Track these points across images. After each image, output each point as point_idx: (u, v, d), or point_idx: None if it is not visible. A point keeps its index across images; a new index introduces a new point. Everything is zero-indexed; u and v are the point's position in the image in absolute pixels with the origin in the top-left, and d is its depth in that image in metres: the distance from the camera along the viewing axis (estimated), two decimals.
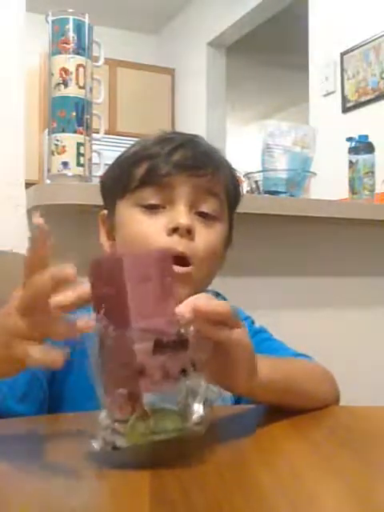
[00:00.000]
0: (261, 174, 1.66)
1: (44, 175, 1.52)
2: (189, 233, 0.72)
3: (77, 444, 0.60)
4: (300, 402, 0.67)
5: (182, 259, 0.72)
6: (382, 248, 1.90)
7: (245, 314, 0.91)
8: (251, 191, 1.69)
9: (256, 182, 1.66)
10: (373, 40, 2.91)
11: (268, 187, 1.62)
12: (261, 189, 1.64)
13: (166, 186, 0.74)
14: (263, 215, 1.55)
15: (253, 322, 0.92)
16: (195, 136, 0.82)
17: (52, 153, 1.40)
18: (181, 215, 0.73)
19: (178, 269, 0.71)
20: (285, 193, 1.61)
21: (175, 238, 0.72)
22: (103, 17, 4.58)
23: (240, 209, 1.51)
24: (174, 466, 0.50)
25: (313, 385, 0.72)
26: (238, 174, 0.86)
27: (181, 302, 0.53)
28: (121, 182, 0.78)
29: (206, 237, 0.75)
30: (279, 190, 1.61)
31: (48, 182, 1.45)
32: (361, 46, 2.98)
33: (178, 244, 0.72)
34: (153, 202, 0.74)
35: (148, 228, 0.73)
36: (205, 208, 0.76)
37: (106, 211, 0.83)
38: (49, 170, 1.43)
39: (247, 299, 1.69)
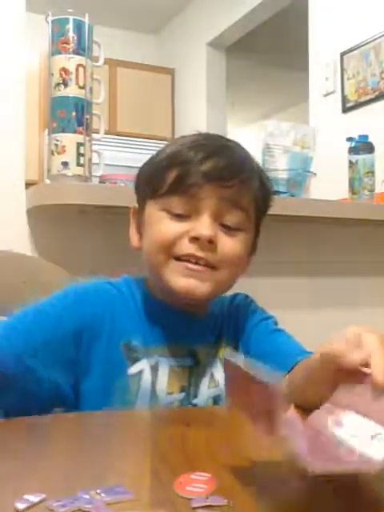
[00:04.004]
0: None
1: (44, 175, 1.52)
2: (210, 243, 0.74)
3: (77, 444, 0.60)
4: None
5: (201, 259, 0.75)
6: (382, 248, 1.90)
7: (267, 314, 0.92)
8: None
9: None
10: (373, 40, 2.91)
11: None
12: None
13: (193, 196, 0.75)
14: None
15: (275, 323, 0.92)
16: (230, 142, 0.82)
17: (52, 153, 1.40)
18: (203, 226, 0.74)
19: (192, 266, 0.74)
20: (285, 193, 1.61)
21: (197, 245, 0.74)
22: (103, 17, 4.58)
23: None
24: (172, 466, 0.50)
25: None
26: (269, 182, 0.85)
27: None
28: (152, 184, 0.80)
29: (228, 246, 0.76)
30: (279, 190, 1.61)
31: (48, 181, 1.45)
32: (361, 46, 2.97)
33: (198, 251, 0.74)
34: (179, 211, 0.76)
35: (172, 233, 0.75)
36: (229, 221, 0.77)
37: (136, 205, 0.84)
38: (49, 170, 1.43)
39: None
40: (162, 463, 0.51)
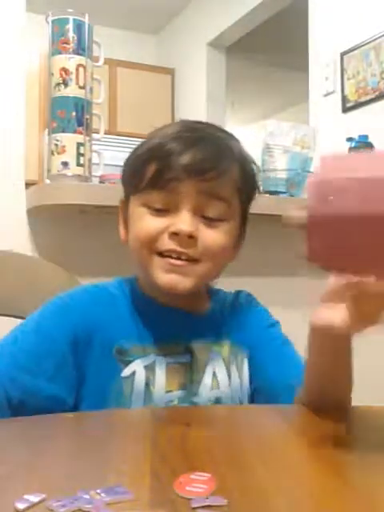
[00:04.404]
0: (261, 173, 1.66)
1: (44, 175, 1.52)
2: (191, 238, 0.74)
3: (77, 444, 0.60)
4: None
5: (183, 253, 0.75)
6: None
7: (273, 319, 0.91)
8: None
9: None
10: (373, 40, 2.91)
11: (268, 187, 1.62)
12: (261, 189, 1.64)
13: (172, 191, 0.75)
14: (263, 215, 1.55)
15: (280, 329, 0.92)
16: (210, 130, 0.80)
17: (52, 153, 1.40)
18: (183, 221, 0.74)
19: (174, 261, 0.75)
20: (285, 193, 1.61)
21: (177, 240, 0.74)
22: (103, 17, 4.58)
23: None
24: (172, 466, 0.50)
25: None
26: (252, 168, 0.83)
27: None
28: (132, 180, 0.80)
29: (210, 238, 0.76)
30: (279, 190, 1.61)
31: (48, 181, 1.45)
32: (361, 46, 2.97)
33: (179, 246, 0.74)
34: (157, 206, 0.76)
35: (153, 229, 0.75)
36: (209, 213, 0.76)
37: (124, 198, 0.84)
38: (49, 170, 1.43)
39: None
40: (161, 463, 0.51)
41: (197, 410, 0.79)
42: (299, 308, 1.79)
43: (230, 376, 0.82)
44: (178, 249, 0.74)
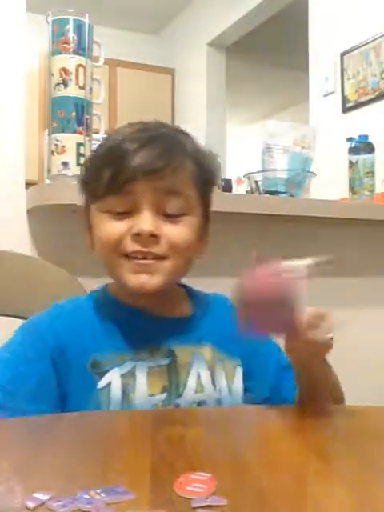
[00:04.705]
0: (261, 174, 1.66)
1: (44, 175, 1.52)
2: (153, 236, 0.76)
3: (77, 444, 0.60)
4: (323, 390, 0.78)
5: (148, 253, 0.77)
6: (382, 248, 1.90)
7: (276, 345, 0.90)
8: (251, 191, 1.69)
9: (256, 182, 1.66)
10: (373, 40, 2.91)
11: (268, 187, 1.62)
12: (261, 189, 1.64)
13: (129, 193, 0.76)
14: (263, 215, 1.55)
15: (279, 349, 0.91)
16: (159, 130, 0.82)
17: (52, 153, 1.40)
18: (143, 221, 0.75)
19: (140, 262, 0.76)
20: (285, 193, 1.61)
21: (140, 241, 0.76)
22: (103, 17, 4.58)
23: (239, 209, 1.52)
24: (172, 466, 0.50)
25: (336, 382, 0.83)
26: (208, 158, 0.84)
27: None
28: (89, 188, 0.82)
29: (173, 234, 0.77)
30: (279, 190, 1.61)
31: (48, 181, 1.45)
32: (361, 46, 2.98)
33: (143, 247, 0.76)
34: (118, 209, 0.77)
35: (116, 233, 0.77)
36: (169, 209, 0.77)
37: (82, 207, 0.86)
38: (49, 170, 1.43)
39: None
40: (162, 463, 0.51)
41: (197, 410, 0.79)
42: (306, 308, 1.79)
43: (214, 380, 0.82)
44: (143, 249, 0.76)
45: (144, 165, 0.75)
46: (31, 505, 0.42)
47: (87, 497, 0.43)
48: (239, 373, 0.84)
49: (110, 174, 0.76)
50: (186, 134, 0.84)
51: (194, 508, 0.42)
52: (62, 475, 0.49)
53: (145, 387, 0.77)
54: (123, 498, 0.43)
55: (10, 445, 0.59)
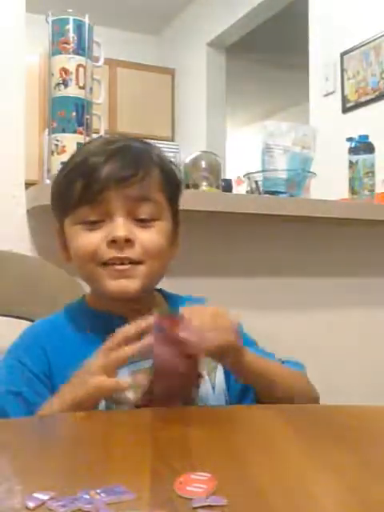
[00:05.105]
0: (261, 174, 1.66)
1: (44, 175, 1.52)
2: (128, 241, 0.78)
3: (77, 444, 0.60)
4: (273, 389, 0.79)
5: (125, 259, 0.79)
6: (382, 248, 1.90)
7: (250, 338, 0.91)
8: (251, 191, 1.69)
9: (256, 182, 1.66)
10: (373, 40, 2.91)
11: (268, 187, 1.62)
12: (261, 189, 1.64)
13: (101, 202, 0.79)
14: (263, 215, 1.55)
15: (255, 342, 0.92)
16: (126, 140, 0.86)
17: (52, 153, 1.40)
18: (117, 227, 0.78)
19: (118, 267, 0.79)
20: (285, 193, 1.61)
21: (115, 247, 0.78)
22: (103, 17, 4.57)
23: (239, 209, 1.52)
24: (172, 466, 0.50)
25: (287, 380, 0.82)
26: (173, 167, 0.89)
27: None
28: (61, 202, 0.84)
29: (147, 239, 0.80)
30: (279, 190, 1.61)
31: (48, 182, 1.45)
32: (361, 46, 2.97)
33: (119, 253, 0.79)
34: (91, 218, 0.80)
35: (91, 242, 0.79)
36: (141, 214, 0.81)
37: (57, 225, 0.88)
38: (49, 170, 1.43)
39: (248, 299, 1.69)
40: (161, 463, 0.51)
41: (197, 410, 0.79)
42: (298, 308, 1.79)
43: None
44: (119, 255, 0.78)
45: (114, 174, 0.79)
46: (31, 505, 0.42)
47: (87, 497, 0.43)
48: (220, 371, 0.86)
49: (82, 185, 0.79)
50: (151, 145, 0.88)
51: (194, 508, 0.42)
52: (62, 475, 0.49)
53: (130, 390, 0.78)
54: (123, 498, 0.43)
55: (10, 445, 0.59)
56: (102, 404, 0.76)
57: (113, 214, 0.79)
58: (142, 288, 0.80)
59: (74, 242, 0.82)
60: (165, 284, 0.89)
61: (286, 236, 1.75)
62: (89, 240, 0.79)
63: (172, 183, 0.87)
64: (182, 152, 2.08)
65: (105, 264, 0.79)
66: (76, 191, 0.80)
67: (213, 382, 0.84)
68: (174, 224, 0.87)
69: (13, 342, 0.85)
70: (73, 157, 0.86)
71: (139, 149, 0.85)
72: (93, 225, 0.80)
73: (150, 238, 0.80)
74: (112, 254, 0.78)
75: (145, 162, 0.82)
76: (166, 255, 0.84)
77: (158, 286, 0.90)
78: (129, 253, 0.79)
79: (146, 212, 0.81)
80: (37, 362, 0.80)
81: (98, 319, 0.84)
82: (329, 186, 1.99)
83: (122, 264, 0.79)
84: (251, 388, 0.83)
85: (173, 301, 0.91)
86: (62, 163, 1.33)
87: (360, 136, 1.78)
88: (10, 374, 0.80)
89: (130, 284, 0.79)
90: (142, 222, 0.81)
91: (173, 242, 0.87)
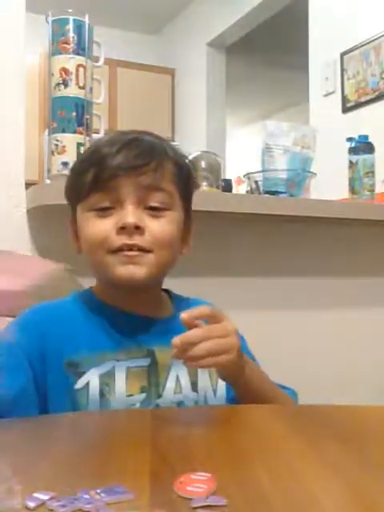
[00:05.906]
0: (261, 174, 1.66)
1: (44, 175, 1.52)
2: (137, 229, 0.78)
3: (77, 444, 0.60)
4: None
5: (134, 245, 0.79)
6: (382, 248, 1.90)
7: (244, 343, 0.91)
8: (251, 191, 1.69)
9: (256, 182, 1.66)
10: (373, 40, 2.91)
11: (268, 187, 1.62)
12: (261, 189, 1.64)
13: (113, 189, 0.79)
14: (263, 215, 1.55)
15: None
16: (140, 133, 0.85)
17: (52, 153, 1.40)
18: (127, 214, 0.78)
19: (127, 253, 0.78)
20: (285, 193, 1.61)
21: (125, 234, 0.78)
22: (103, 17, 4.57)
23: (239, 209, 1.52)
24: (172, 466, 0.50)
25: (280, 401, 0.83)
26: (187, 162, 0.89)
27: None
28: (74, 190, 0.84)
29: (157, 228, 0.80)
30: (279, 190, 1.61)
31: (48, 181, 1.45)
32: (361, 46, 2.98)
33: (128, 240, 0.78)
34: (103, 205, 0.80)
35: (101, 229, 0.79)
36: (152, 202, 0.80)
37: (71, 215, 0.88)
38: (49, 170, 1.43)
39: (248, 299, 1.69)
40: (162, 463, 0.51)
41: (197, 410, 0.79)
42: (298, 308, 1.79)
43: (195, 381, 0.83)
44: (128, 242, 0.78)
45: (127, 162, 0.79)
46: (31, 505, 0.42)
47: (87, 497, 0.43)
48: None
49: (94, 172, 0.79)
50: (166, 140, 0.88)
51: (194, 508, 0.42)
52: (62, 475, 0.49)
53: (123, 387, 0.78)
54: (123, 498, 0.43)
55: (10, 445, 0.59)
56: (98, 403, 0.76)
57: (123, 201, 0.79)
58: (149, 276, 0.79)
59: (85, 230, 0.81)
60: (164, 283, 0.89)
61: (286, 236, 1.75)
62: (99, 227, 0.79)
63: (185, 178, 0.86)
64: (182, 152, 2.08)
65: (114, 252, 0.78)
66: (88, 178, 0.80)
67: (214, 386, 0.84)
68: (186, 219, 0.86)
69: (11, 322, 0.84)
70: (87, 149, 0.87)
71: (153, 141, 0.84)
72: (104, 212, 0.79)
73: (160, 227, 0.80)
74: (122, 241, 0.78)
75: (158, 153, 0.82)
76: (176, 247, 0.84)
77: (165, 287, 0.90)
78: (138, 240, 0.78)
79: (157, 200, 0.80)
80: (32, 343, 0.79)
81: (101, 309, 0.84)
82: (329, 186, 1.99)
83: (131, 250, 0.78)
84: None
85: (179, 301, 0.90)
86: (63, 163, 1.33)
87: (360, 136, 1.78)
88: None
89: (138, 271, 0.78)
90: (153, 211, 0.80)
91: (184, 238, 0.86)
